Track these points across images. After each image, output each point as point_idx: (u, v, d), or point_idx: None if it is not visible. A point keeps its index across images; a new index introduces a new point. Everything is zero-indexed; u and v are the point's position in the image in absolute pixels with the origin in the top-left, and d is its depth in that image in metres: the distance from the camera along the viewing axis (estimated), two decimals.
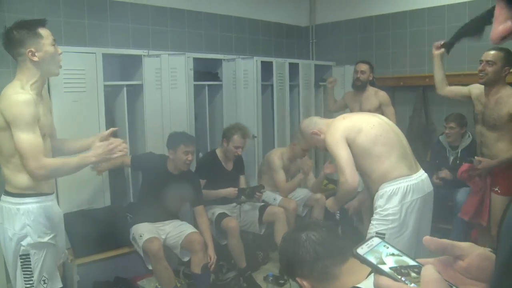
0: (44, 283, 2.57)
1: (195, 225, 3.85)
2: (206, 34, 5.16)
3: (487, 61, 3.51)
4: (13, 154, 2.42)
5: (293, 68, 5.32)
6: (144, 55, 4.04)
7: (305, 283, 1.51)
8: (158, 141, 3.94)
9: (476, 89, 3.75)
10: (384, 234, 2.73)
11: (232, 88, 4.78)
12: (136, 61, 4.07)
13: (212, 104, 4.88)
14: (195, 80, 4.41)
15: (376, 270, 0.75)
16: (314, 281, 1.50)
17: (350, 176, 2.79)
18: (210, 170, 4.23)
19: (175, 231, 3.75)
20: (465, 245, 0.80)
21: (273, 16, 5.89)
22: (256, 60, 4.73)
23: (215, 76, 4.86)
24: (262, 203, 4.38)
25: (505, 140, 3.59)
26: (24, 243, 2.49)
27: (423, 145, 5.15)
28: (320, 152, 5.69)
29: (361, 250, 0.77)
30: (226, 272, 4.05)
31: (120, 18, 4.41)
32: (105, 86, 3.80)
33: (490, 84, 3.54)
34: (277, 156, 4.61)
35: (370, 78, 4.72)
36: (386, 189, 2.79)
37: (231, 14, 5.40)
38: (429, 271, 0.72)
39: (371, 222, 2.87)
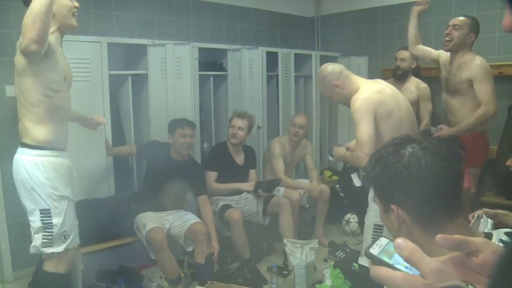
0: (65, 238, 2.61)
1: (199, 216, 3.86)
2: (211, 24, 5.13)
3: (454, 25, 3.56)
4: (37, 103, 2.48)
5: (299, 58, 5.29)
6: (149, 45, 4.03)
7: (403, 215, 1.24)
8: (163, 130, 3.93)
9: (444, 55, 3.79)
10: (382, 226, 2.71)
11: (237, 78, 4.76)
12: (141, 50, 4.06)
13: (217, 94, 4.86)
14: (200, 70, 4.39)
15: (392, 269, 0.75)
16: (413, 220, 1.23)
17: (370, 152, 2.59)
18: (220, 162, 4.22)
19: (179, 221, 3.75)
20: (479, 240, 0.78)
21: (278, 7, 5.86)
22: (262, 51, 4.71)
23: (220, 66, 4.84)
24: (263, 197, 4.38)
25: (467, 106, 3.60)
26: (43, 195, 2.52)
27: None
28: (324, 138, 5.69)
29: (374, 250, 0.78)
30: (230, 263, 4.05)
31: (125, 7, 4.39)
32: (110, 75, 3.79)
33: (455, 49, 3.59)
34: (278, 143, 4.61)
35: (413, 66, 4.52)
36: None
37: (236, 4, 5.37)
38: (417, 253, 0.71)
39: (368, 213, 2.84)
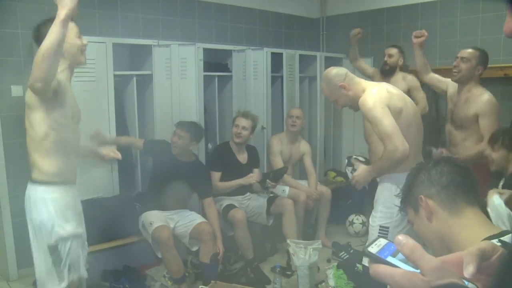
0: (69, 272, 2.62)
1: (204, 216, 3.87)
2: (216, 24, 5.15)
3: (462, 58, 3.53)
4: (45, 136, 2.51)
5: (303, 59, 5.30)
6: (154, 45, 4.05)
7: (429, 202, 1.49)
8: (168, 131, 3.94)
9: (452, 86, 3.76)
10: (387, 228, 2.71)
11: (241, 79, 4.77)
12: (146, 51, 4.08)
13: (221, 95, 4.87)
14: (205, 70, 4.40)
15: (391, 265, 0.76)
16: (439, 204, 1.48)
17: (400, 142, 2.53)
18: (223, 161, 4.23)
19: (184, 220, 3.77)
20: (487, 245, 0.79)
21: (283, 8, 5.87)
22: (266, 51, 4.72)
23: (225, 67, 4.85)
24: (271, 195, 4.39)
25: (471, 140, 3.57)
26: (52, 235, 2.54)
27: (430, 139, 5.09)
28: (329, 139, 5.70)
29: (372, 249, 0.79)
30: (234, 263, 4.07)
31: (130, 8, 4.41)
32: (115, 75, 3.82)
33: (463, 81, 3.57)
34: (276, 140, 4.64)
35: (400, 63, 4.63)
36: (394, 180, 2.71)
37: (241, 5, 5.38)
38: (417, 250, 0.71)
39: (374, 214, 2.83)
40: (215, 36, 5.09)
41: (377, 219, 2.80)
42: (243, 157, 4.33)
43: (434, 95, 5.15)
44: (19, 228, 3.86)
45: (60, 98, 2.52)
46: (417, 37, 3.89)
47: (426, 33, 3.86)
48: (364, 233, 4.86)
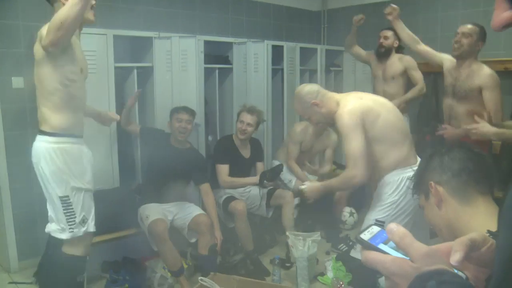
0: (83, 222, 2.71)
1: (202, 206, 3.89)
2: (217, 17, 5.14)
3: (463, 33, 3.61)
4: (54, 91, 2.57)
5: (304, 52, 5.30)
6: (155, 37, 4.05)
7: (439, 189, 1.48)
8: (168, 123, 3.95)
9: (448, 61, 3.84)
10: (383, 222, 2.72)
11: (242, 71, 4.77)
12: (147, 43, 4.08)
13: (222, 87, 4.88)
14: (205, 63, 4.41)
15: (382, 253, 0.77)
16: (449, 191, 1.47)
17: (361, 170, 2.61)
18: (228, 155, 4.23)
19: (182, 212, 3.78)
20: (479, 236, 0.81)
21: (284, 0, 5.86)
22: (267, 44, 4.72)
23: (226, 60, 4.85)
24: (270, 187, 4.40)
25: (473, 112, 3.60)
26: (62, 182, 2.61)
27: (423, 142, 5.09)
28: None
29: (365, 236, 0.81)
30: (233, 255, 4.09)
31: (131, 0, 4.41)
32: (115, 67, 3.82)
33: (464, 56, 3.64)
34: (300, 128, 4.59)
35: (395, 45, 4.67)
36: (395, 177, 2.74)
37: None
38: (406, 237, 0.73)
39: (372, 208, 2.84)
40: (216, 28, 5.08)
41: (374, 212, 2.82)
42: (246, 151, 4.34)
43: (435, 89, 5.17)
44: (20, 220, 3.89)
45: (69, 53, 2.56)
46: (389, 13, 4.08)
47: (397, 7, 4.09)
48: (353, 224, 4.92)
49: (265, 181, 4.09)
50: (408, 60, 4.58)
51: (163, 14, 4.68)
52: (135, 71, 4.04)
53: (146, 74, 4.15)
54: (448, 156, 1.54)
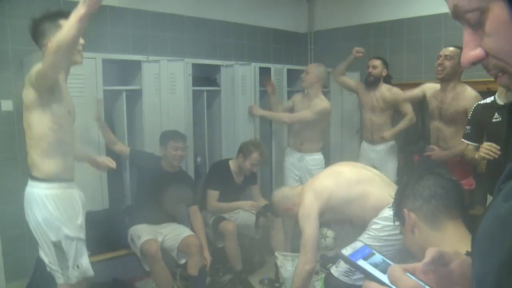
0: (78, 268, 2.70)
1: (191, 227, 3.91)
2: (205, 39, 5.20)
3: (445, 56, 3.70)
4: (43, 137, 2.57)
5: (292, 74, 5.37)
6: (143, 61, 4.09)
7: (412, 215, 1.57)
8: (157, 145, 3.98)
9: (430, 89, 3.96)
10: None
11: (230, 93, 4.83)
12: (136, 66, 4.12)
13: (210, 109, 4.92)
14: (193, 85, 4.46)
15: (358, 269, 0.81)
16: (420, 218, 1.56)
17: (311, 256, 2.93)
18: (221, 181, 4.24)
19: (172, 233, 3.80)
20: (451, 252, 0.85)
21: (271, 23, 5.94)
22: (254, 66, 4.78)
23: (214, 82, 4.90)
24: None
25: (460, 134, 3.68)
26: (55, 230, 2.60)
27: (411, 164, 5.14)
28: None
29: (346, 251, 0.84)
30: (223, 275, 4.10)
31: (120, 24, 4.46)
32: (104, 90, 3.85)
33: (447, 79, 3.73)
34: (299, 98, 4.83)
35: (384, 74, 4.71)
36: (382, 215, 2.81)
37: (230, 20, 5.45)
38: (396, 271, 0.77)
39: (363, 235, 2.88)
40: (204, 51, 5.14)
41: (364, 239, 2.84)
42: (240, 178, 4.35)
43: (420, 110, 5.23)
44: (7, 242, 3.86)
45: (56, 96, 2.57)
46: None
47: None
48: (332, 243, 4.93)
49: (269, 213, 4.04)
50: (396, 92, 4.61)
51: (151, 38, 4.73)
52: (124, 94, 4.08)
53: (135, 97, 4.18)
54: (419, 183, 1.62)
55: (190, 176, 4.21)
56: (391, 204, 2.72)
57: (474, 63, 0.66)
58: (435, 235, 1.51)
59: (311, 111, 4.49)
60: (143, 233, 3.63)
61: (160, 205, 3.83)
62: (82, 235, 2.78)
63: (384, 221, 2.77)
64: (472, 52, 0.65)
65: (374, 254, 0.85)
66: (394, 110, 4.71)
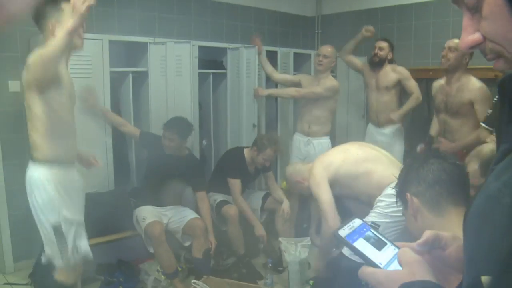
0: (77, 251, 2.72)
1: (197, 211, 3.93)
2: (212, 22, 5.18)
3: (450, 47, 3.70)
4: (43, 119, 2.55)
5: (298, 58, 5.35)
6: (150, 43, 4.09)
7: (415, 200, 1.55)
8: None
9: (437, 84, 3.99)
10: (378, 225, 2.77)
11: (236, 76, 4.82)
12: (142, 48, 4.12)
13: (216, 92, 4.92)
14: (200, 68, 4.45)
15: (354, 251, 0.82)
16: (423, 203, 1.54)
17: (332, 220, 2.97)
18: (238, 169, 4.21)
19: (177, 216, 3.83)
20: (448, 236, 0.86)
21: (279, 6, 5.90)
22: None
23: (220, 65, 4.89)
24: (266, 191, 4.44)
25: (467, 126, 3.71)
26: (55, 213, 2.61)
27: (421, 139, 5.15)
28: None
29: (343, 232, 0.84)
30: (226, 258, 4.13)
31: (127, 5, 4.45)
32: (111, 72, 3.85)
33: (451, 70, 3.73)
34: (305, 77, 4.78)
35: (389, 57, 4.68)
36: (386, 192, 2.82)
37: (237, 3, 5.42)
38: (407, 253, 0.78)
39: (370, 213, 2.89)
40: (210, 33, 5.13)
41: (370, 216, 2.87)
42: (252, 167, 4.32)
43: (427, 95, 5.22)
44: (15, 222, 3.92)
45: (57, 79, 2.56)
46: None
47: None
48: None
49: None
50: (401, 70, 4.59)
51: (158, 19, 4.72)
52: (130, 75, 4.08)
53: (141, 79, 4.19)
54: (423, 167, 1.60)
55: (198, 160, 4.21)
56: (392, 183, 2.80)
57: (472, 47, 0.67)
58: (438, 222, 1.49)
59: (321, 87, 4.48)
60: (148, 215, 3.66)
61: (166, 188, 3.85)
62: (82, 218, 2.79)
63: (388, 198, 2.79)
64: (470, 36, 0.66)
65: (371, 232, 0.86)
66: (400, 90, 4.67)
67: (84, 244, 2.78)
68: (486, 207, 0.64)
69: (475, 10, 0.65)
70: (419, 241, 0.83)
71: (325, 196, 3.02)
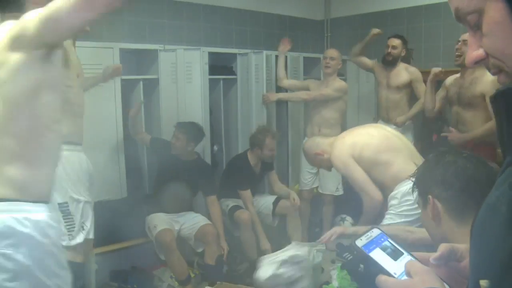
0: (83, 229, 2.73)
1: (209, 217, 3.94)
2: (221, 28, 5.19)
3: (464, 41, 3.67)
4: None
5: (308, 62, 5.35)
6: (160, 50, 4.11)
7: (438, 205, 1.43)
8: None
9: (449, 79, 3.99)
10: None
11: (246, 82, 4.82)
12: (153, 55, 4.14)
13: (227, 97, 4.93)
14: (210, 74, 4.47)
15: (370, 262, 0.82)
16: (447, 210, 1.41)
17: (372, 192, 2.92)
18: (245, 177, 4.25)
19: (189, 222, 3.84)
20: (464, 248, 0.86)
21: (287, 10, 5.90)
22: (267, 54, 4.78)
23: (230, 70, 4.90)
24: (276, 196, 4.45)
25: (479, 118, 3.69)
26: (62, 191, 2.59)
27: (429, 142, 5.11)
28: None
29: (360, 242, 0.85)
30: (240, 263, 4.13)
31: (136, 13, 4.47)
32: (122, 80, 3.87)
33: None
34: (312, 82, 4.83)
35: (403, 54, 4.66)
36: (400, 189, 2.83)
37: (246, 8, 5.43)
38: (415, 264, 0.79)
39: (386, 216, 2.89)
40: (220, 39, 5.14)
41: (387, 219, 2.86)
42: (258, 167, 4.37)
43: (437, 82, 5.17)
44: None
45: (65, 59, 2.56)
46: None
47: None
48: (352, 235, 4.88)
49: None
50: (414, 72, 4.57)
51: (167, 26, 4.73)
52: (141, 83, 4.10)
53: (151, 86, 4.21)
54: (449, 170, 1.45)
55: (208, 164, 4.23)
56: (407, 179, 2.75)
57: (477, 62, 0.69)
58: (460, 230, 1.37)
59: (330, 88, 4.53)
60: (159, 222, 3.67)
61: (177, 194, 3.86)
62: (89, 198, 2.80)
63: (401, 196, 2.81)
64: (475, 52, 0.69)
65: (389, 242, 0.86)
66: (411, 90, 4.66)
67: (89, 223, 2.79)
68: (486, 215, 0.67)
69: (477, 27, 0.67)
70: (434, 256, 0.85)
71: (356, 173, 2.98)
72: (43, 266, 1.65)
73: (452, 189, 1.43)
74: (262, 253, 4.10)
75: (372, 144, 3.04)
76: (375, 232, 0.88)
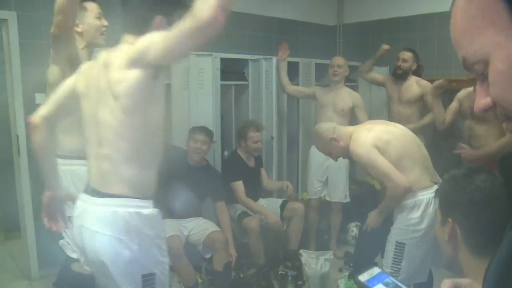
0: None
1: (218, 223, 3.96)
2: (234, 33, 5.20)
3: None
4: None
5: (320, 68, 5.35)
6: None
7: (457, 231, 1.35)
8: (185, 139, 4.03)
9: (462, 93, 3.96)
10: (404, 244, 2.77)
11: (257, 88, 4.85)
12: None
13: (238, 103, 4.96)
14: (222, 79, 4.49)
15: None
16: (465, 238, 1.33)
17: (398, 178, 2.73)
18: (238, 170, 4.30)
19: (198, 228, 3.86)
20: (466, 283, 0.88)
21: (300, 15, 5.91)
22: (276, 61, 4.75)
23: (242, 76, 4.92)
24: (283, 199, 4.46)
25: (493, 133, 3.67)
26: (70, 207, 2.59)
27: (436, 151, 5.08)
28: None
29: (363, 277, 0.88)
30: (247, 269, 4.15)
31: None
32: None
33: None
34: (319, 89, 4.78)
35: (414, 68, 4.62)
36: (407, 201, 2.79)
37: (258, 13, 5.44)
38: None
39: (391, 230, 2.89)
40: (232, 45, 5.14)
41: (394, 234, 2.86)
42: (251, 162, 4.42)
43: (449, 99, 5.17)
44: (41, 228, 3.98)
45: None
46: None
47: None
48: None
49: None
50: (425, 85, 4.50)
51: None
52: None
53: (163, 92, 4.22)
54: (479, 199, 1.33)
55: (217, 170, 4.26)
56: (418, 191, 2.75)
57: (485, 110, 0.70)
58: (478, 264, 1.28)
59: (362, 110, 4.60)
60: (167, 229, 3.69)
61: (186, 200, 3.89)
62: None
63: (407, 213, 2.79)
64: (483, 101, 0.70)
65: (390, 279, 0.89)
66: (423, 103, 4.60)
67: None
68: (502, 258, 0.70)
69: (484, 77, 0.68)
70: None
71: (380, 159, 2.77)
72: (150, 255, 1.92)
73: (476, 223, 1.32)
74: (278, 250, 4.14)
75: (397, 147, 2.87)
76: (376, 270, 0.90)
